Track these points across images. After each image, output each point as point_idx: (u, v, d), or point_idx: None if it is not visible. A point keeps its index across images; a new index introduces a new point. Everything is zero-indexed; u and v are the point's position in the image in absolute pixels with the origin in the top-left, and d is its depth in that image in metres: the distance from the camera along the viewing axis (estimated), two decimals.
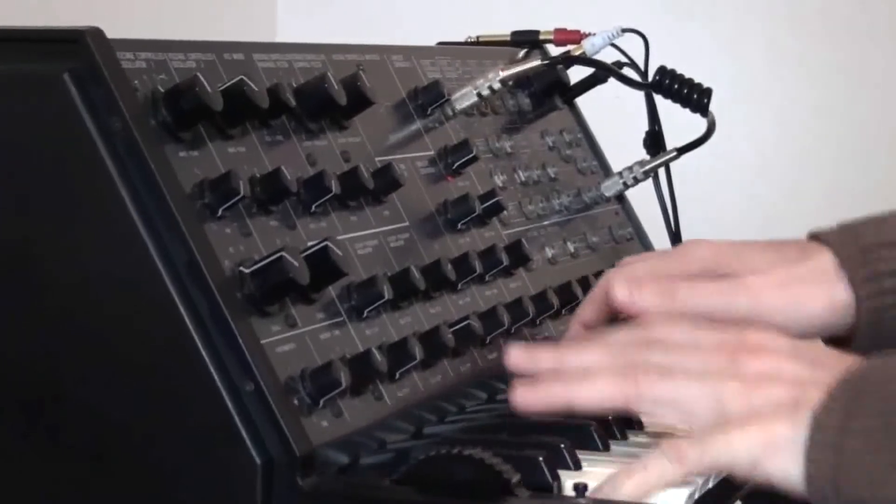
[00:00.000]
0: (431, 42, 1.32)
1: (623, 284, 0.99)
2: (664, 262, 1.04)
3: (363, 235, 1.00)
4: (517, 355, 0.89)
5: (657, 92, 1.33)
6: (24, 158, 0.87)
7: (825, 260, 0.99)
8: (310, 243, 0.92)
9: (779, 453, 0.80)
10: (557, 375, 0.88)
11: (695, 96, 1.31)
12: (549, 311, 1.15)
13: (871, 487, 0.78)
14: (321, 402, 0.86)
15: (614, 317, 1.04)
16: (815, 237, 1.01)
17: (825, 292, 0.98)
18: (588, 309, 1.04)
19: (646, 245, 1.42)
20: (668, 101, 1.33)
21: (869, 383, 0.81)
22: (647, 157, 1.34)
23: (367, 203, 1.02)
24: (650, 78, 1.33)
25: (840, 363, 0.84)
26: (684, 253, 1.04)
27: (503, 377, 1.08)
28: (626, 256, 1.16)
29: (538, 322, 1.14)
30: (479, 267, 1.07)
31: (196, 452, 0.84)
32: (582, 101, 1.42)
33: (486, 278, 1.11)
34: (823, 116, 2.21)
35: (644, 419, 1.01)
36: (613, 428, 0.98)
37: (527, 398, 0.87)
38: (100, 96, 0.85)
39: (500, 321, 1.06)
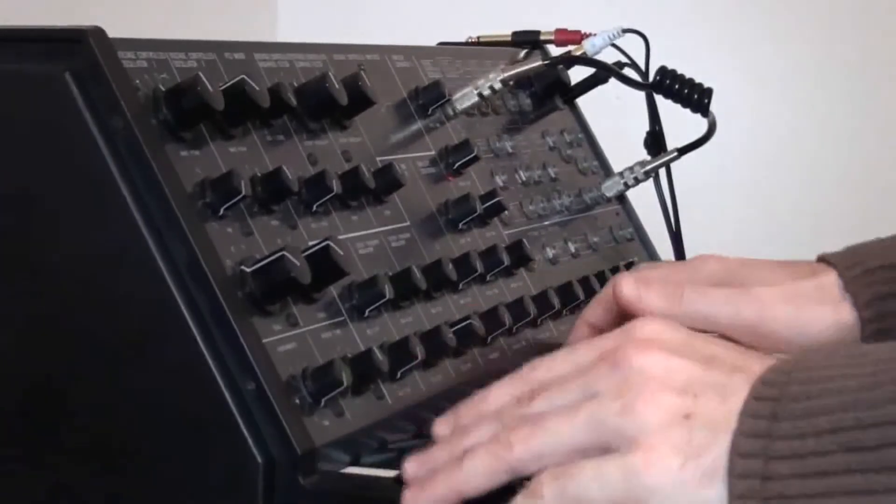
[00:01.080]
0: (432, 42, 1.32)
1: (631, 283, 0.95)
2: (675, 270, 1.04)
3: (364, 235, 1.00)
4: (411, 468, 0.78)
5: (658, 92, 1.33)
6: (25, 158, 0.87)
7: (831, 280, 0.98)
8: (311, 243, 0.92)
9: (670, 480, 0.70)
10: (446, 466, 0.77)
11: (695, 96, 1.31)
12: (550, 311, 1.15)
13: None
14: (322, 402, 0.86)
15: (621, 319, 1.04)
16: (823, 259, 1.00)
17: (831, 311, 0.96)
18: (595, 309, 1.03)
19: (646, 245, 1.42)
20: (669, 102, 1.33)
21: (788, 397, 0.70)
22: (648, 158, 1.34)
23: (369, 203, 1.02)
24: (651, 78, 1.33)
25: (742, 358, 0.74)
26: (695, 265, 1.04)
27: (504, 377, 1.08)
28: (641, 263, 1.15)
29: (539, 322, 1.14)
30: (480, 267, 1.07)
31: (197, 451, 0.84)
32: (583, 102, 1.42)
33: (488, 278, 1.11)
34: (825, 116, 2.22)
35: None
36: None
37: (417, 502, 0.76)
38: (101, 96, 0.85)
39: (501, 321, 1.06)
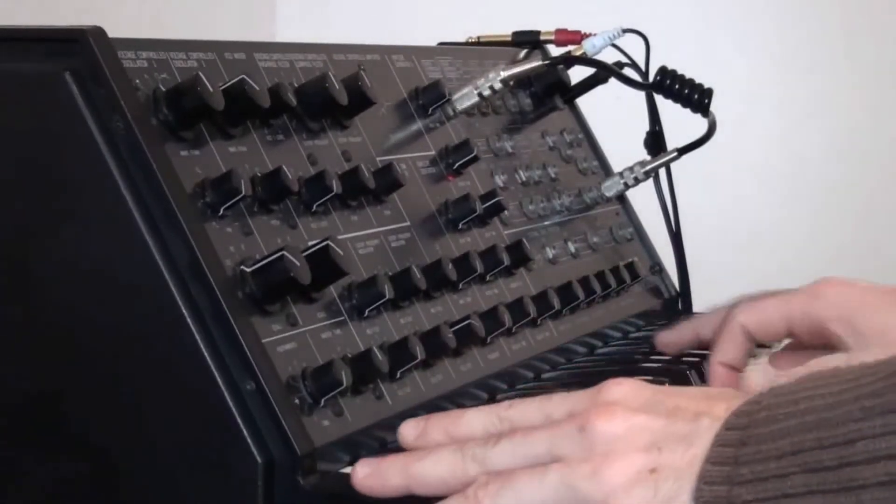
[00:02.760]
0: (432, 42, 1.32)
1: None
2: (798, 302, 1.02)
3: (364, 235, 1.00)
4: (363, 474, 0.80)
5: (658, 92, 1.33)
6: (25, 158, 0.87)
7: None
8: (311, 242, 0.92)
9: None
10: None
11: (695, 96, 1.31)
12: (549, 311, 1.15)
13: None
14: (322, 402, 0.86)
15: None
16: None
17: None
18: (727, 349, 1.04)
19: (646, 245, 1.42)
20: (669, 102, 1.33)
21: (756, 423, 0.71)
22: (648, 158, 1.34)
23: (368, 202, 1.02)
24: (651, 78, 1.33)
25: (707, 403, 0.74)
26: (820, 295, 1.01)
27: (504, 377, 1.08)
28: (745, 297, 1.12)
29: (539, 322, 1.14)
30: (479, 267, 1.07)
31: (197, 452, 0.84)
32: (583, 102, 1.42)
33: (487, 278, 1.11)
34: (826, 115, 2.21)
35: None
36: None
37: None
38: (101, 96, 0.85)
39: (500, 321, 1.06)
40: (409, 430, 0.82)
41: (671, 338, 1.15)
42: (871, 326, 0.99)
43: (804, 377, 0.73)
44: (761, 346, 1.13)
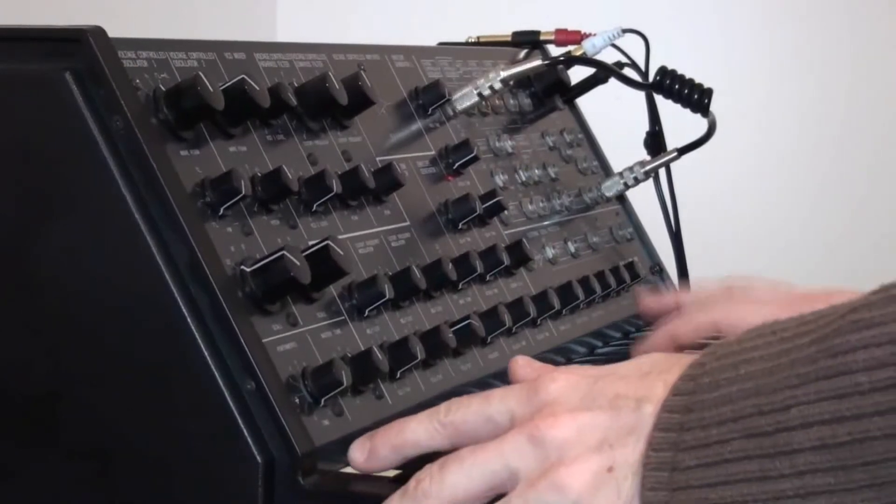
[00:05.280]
0: (432, 42, 1.33)
1: None
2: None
3: (364, 235, 1.00)
4: None
5: (658, 92, 1.33)
6: (25, 158, 0.87)
7: None
8: (311, 242, 0.92)
9: None
10: None
11: (695, 96, 1.31)
12: (549, 311, 1.15)
13: None
14: (322, 401, 0.86)
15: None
16: None
17: None
18: (686, 331, 1.06)
19: (646, 245, 1.42)
20: (669, 102, 1.33)
21: (701, 389, 0.72)
22: (648, 158, 1.34)
23: (368, 202, 1.02)
24: (651, 78, 1.33)
25: (646, 385, 0.75)
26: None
27: (504, 377, 1.08)
28: (737, 279, 1.13)
29: (539, 322, 1.14)
30: (479, 267, 1.07)
31: (197, 452, 0.84)
32: (582, 102, 1.42)
33: (487, 278, 1.11)
34: (826, 115, 2.22)
35: None
36: None
37: None
38: (101, 95, 0.85)
39: (501, 321, 1.06)
40: (357, 454, 0.84)
41: (654, 304, 1.16)
42: None
43: (745, 334, 0.74)
44: None
